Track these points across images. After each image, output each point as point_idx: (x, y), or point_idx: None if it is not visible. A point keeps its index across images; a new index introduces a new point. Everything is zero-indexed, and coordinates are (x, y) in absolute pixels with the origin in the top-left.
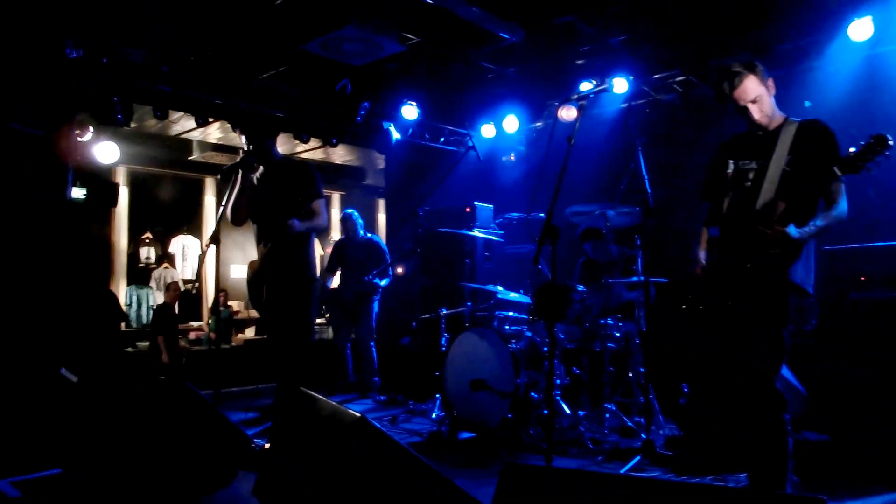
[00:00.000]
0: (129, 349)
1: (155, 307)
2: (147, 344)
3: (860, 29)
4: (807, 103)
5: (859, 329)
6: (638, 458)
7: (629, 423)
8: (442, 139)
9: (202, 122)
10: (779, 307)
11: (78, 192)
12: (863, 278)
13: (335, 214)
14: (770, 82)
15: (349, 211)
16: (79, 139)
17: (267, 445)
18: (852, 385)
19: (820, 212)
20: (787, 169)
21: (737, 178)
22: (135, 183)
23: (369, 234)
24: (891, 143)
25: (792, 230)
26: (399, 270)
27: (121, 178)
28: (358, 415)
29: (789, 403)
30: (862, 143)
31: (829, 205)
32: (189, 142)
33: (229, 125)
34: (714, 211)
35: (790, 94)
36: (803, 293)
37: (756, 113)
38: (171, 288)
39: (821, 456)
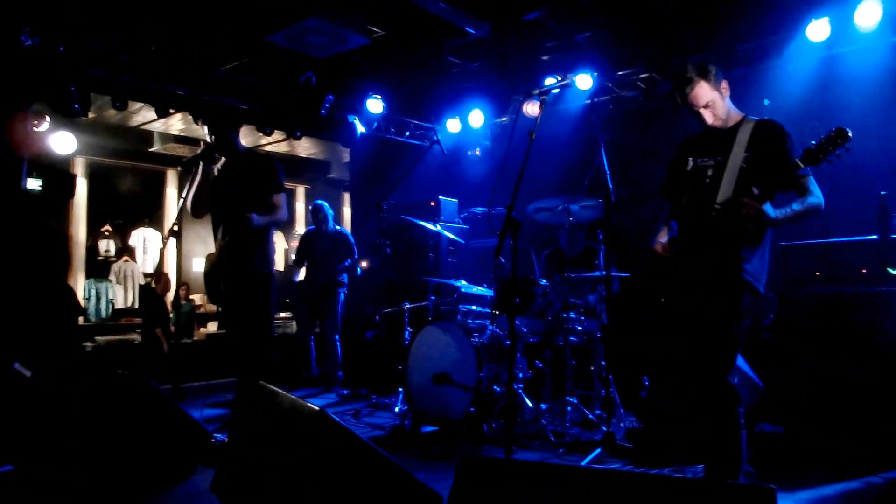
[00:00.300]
0: (88, 344)
1: (141, 299)
2: (107, 338)
3: (818, 30)
4: (766, 101)
5: (814, 323)
6: (598, 450)
7: (590, 416)
8: (407, 133)
9: (163, 114)
10: (732, 303)
11: (33, 184)
12: (817, 273)
13: (300, 208)
14: (724, 85)
15: (320, 202)
16: (34, 129)
17: (226, 440)
18: (806, 378)
19: (794, 201)
20: (745, 166)
21: (695, 174)
22: (94, 174)
23: (338, 227)
24: (850, 135)
25: (769, 209)
26: (364, 264)
27: (79, 169)
28: (317, 408)
29: (746, 396)
30: (822, 135)
31: (802, 194)
32: (150, 133)
33: (191, 117)
34: (674, 207)
35: (751, 92)
36: (755, 291)
37: (709, 118)
38: (161, 280)
39: (776, 447)
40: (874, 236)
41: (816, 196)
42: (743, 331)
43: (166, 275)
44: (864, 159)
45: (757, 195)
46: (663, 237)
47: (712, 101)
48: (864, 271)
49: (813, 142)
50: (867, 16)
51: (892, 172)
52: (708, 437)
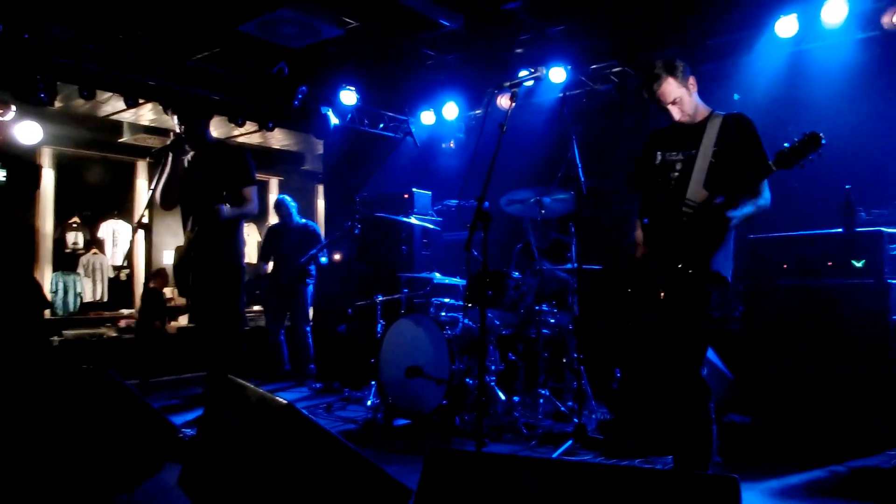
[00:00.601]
0: (55, 338)
1: (143, 294)
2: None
3: (786, 26)
4: (735, 96)
5: (782, 315)
6: (570, 442)
7: (562, 409)
8: (381, 125)
9: (132, 103)
10: (701, 298)
11: None
12: (785, 266)
13: (272, 200)
14: (691, 81)
15: (282, 196)
16: None
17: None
18: (774, 369)
19: (748, 200)
20: (714, 161)
21: (664, 169)
22: (62, 165)
23: (304, 220)
24: (823, 141)
25: (732, 213)
26: (336, 256)
27: (46, 159)
28: (285, 402)
29: (716, 387)
30: (796, 140)
31: (754, 195)
32: (120, 123)
33: (161, 107)
34: (643, 201)
35: (720, 87)
36: (723, 282)
37: (676, 114)
38: (159, 274)
39: (744, 438)
40: (839, 229)
41: (766, 198)
42: (714, 322)
43: (163, 269)
44: (830, 154)
45: (721, 203)
46: (641, 236)
47: (679, 97)
48: (830, 264)
49: (786, 144)
50: (834, 13)
51: (857, 167)
52: (679, 429)
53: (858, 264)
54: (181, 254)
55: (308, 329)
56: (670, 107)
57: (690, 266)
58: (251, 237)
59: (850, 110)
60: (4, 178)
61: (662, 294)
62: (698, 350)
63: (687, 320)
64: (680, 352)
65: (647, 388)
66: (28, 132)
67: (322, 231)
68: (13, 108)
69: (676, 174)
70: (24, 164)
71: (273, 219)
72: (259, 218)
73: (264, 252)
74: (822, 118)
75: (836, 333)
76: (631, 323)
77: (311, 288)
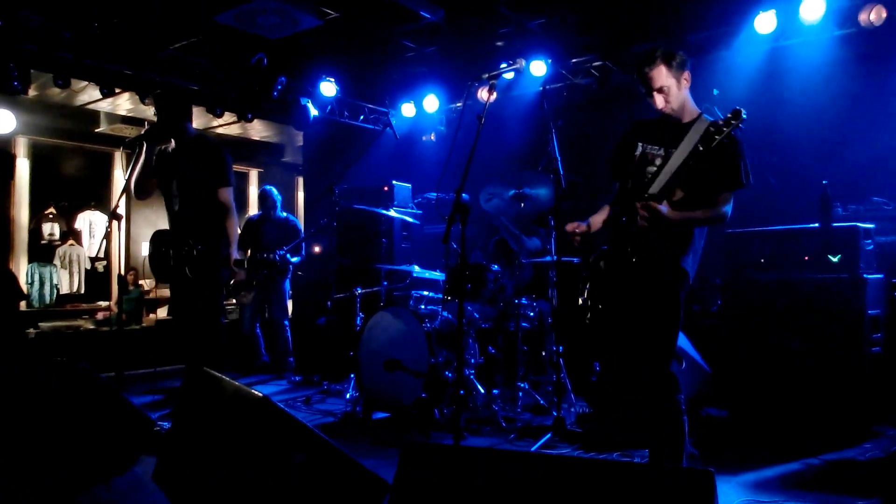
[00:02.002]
0: (31, 330)
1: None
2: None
3: (765, 22)
4: (715, 91)
5: (759, 309)
6: (548, 435)
7: (541, 402)
8: (361, 117)
9: (108, 93)
10: (668, 296)
11: None
12: (762, 261)
13: (253, 192)
14: (685, 75)
15: (268, 187)
16: None
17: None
18: (750, 363)
19: (704, 206)
20: (690, 163)
21: (641, 162)
22: (37, 155)
23: (286, 214)
24: (744, 115)
25: (663, 208)
26: (316, 249)
27: (20, 149)
28: (261, 395)
29: (693, 381)
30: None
31: (713, 204)
32: (96, 113)
33: (139, 97)
34: (618, 191)
35: (699, 82)
36: (686, 281)
37: (660, 102)
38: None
39: (720, 431)
40: (816, 224)
41: (724, 210)
42: (686, 317)
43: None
44: (807, 149)
45: (680, 199)
46: (597, 218)
47: (667, 86)
48: (807, 259)
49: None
50: (811, 10)
51: (834, 163)
52: (652, 423)
53: (835, 259)
54: (161, 240)
55: (286, 322)
56: (655, 94)
57: (654, 263)
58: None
59: (827, 106)
60: None
61: (628, 292)
62: (666, 346)
63: (653, 315)
64: (649, 349)
65: (625, 381)
66: (1, 121)
67: (302, 225)
68: None
69: (654, 168)
70: None
71: (252, 210)
72: (238, 210)
73: (242, 243)
74: (799, 114)
75: (812, 328)
76: (603, 325)
77: (288, 283)
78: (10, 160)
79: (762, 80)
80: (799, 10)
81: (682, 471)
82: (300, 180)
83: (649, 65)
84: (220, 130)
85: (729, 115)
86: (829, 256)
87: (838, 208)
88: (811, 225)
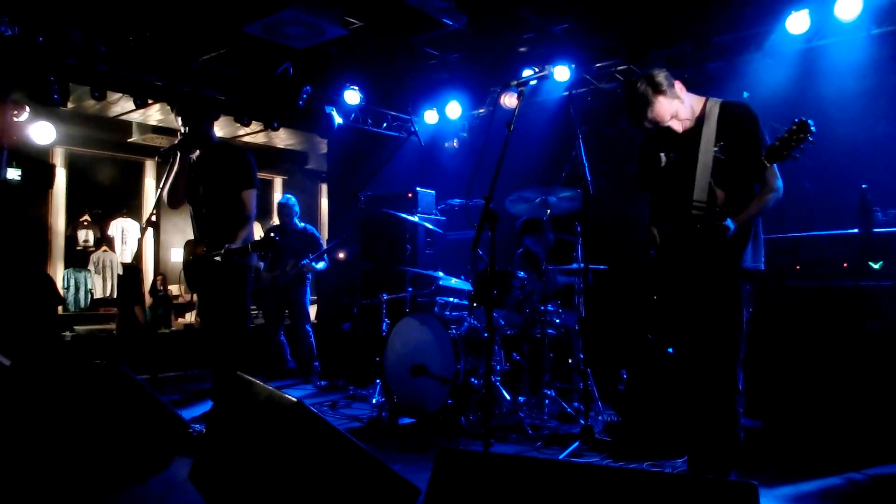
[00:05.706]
0: (67, 333)
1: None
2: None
3: (797, 22)
4: (745, 94)
5: (794, 317)
6: (576, 443)
7: (568, 409)
8: (385, 124)
9: (141, 104)
10: (733, 297)
11: (13, 173)
12: (798, 267)
13: (277, 199)
14: (679, 86)
15: (287, 197)
16: (14, 119)
17: (204, 430)
18: (786, 372)
19: (754, 196)
20: (721, 156)
21: (669, 171)
22: (73, 164)
23: (303, 224)
24: (813, 129)
25: (730, 223)
26: (341, 256)
27: (58, 159)
28: (294, 399)
29: None
30: (785, 129)
31: (762, 188)
32: (129, 123)
33: (169, 107)
34: (654, 205)
35: (729, 86)
36: (755, 276)
37: (678, 126)
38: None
39: (754, 441)
40: (855, 230)
41: (775, 189)
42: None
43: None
44: (844, 152)
45: (725, 200)
46: (656, 234)
47: (675, 111)
48: (846, 265)
49: (778, 138)
50: (848, 8)
51: (873, 165)
52: (702, 432)
53: (876, 266)
54: (190, 250)
55: (309, 327)
56: (670, 123)
57: (718, 264)
58: (255, 235)
59: (865, 108)
60: (20, 178)
61: (691, 296)
62: (735, 347)
63: (721, 318)
64: (716, 350)
65: (656, 388)
66: (42, 132)
67: (325, 232)
68: (27, 108)
69: (683, 173)
70: (38, 164)
71: (277, 219)
72: (262, 217)
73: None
74: (835, 116)
75: (852, 336)
76: (665, 327)
77: (308, 289)
78: (51, 170)
79: (795, 82)
80: (834, 8)
81: (722, 483)
82: (324, 187)
83: (648, 107)
84: (245, 139)
85: (794, 128)
86: (870, 263)
87: (878, 213)
88: (850, 230)
